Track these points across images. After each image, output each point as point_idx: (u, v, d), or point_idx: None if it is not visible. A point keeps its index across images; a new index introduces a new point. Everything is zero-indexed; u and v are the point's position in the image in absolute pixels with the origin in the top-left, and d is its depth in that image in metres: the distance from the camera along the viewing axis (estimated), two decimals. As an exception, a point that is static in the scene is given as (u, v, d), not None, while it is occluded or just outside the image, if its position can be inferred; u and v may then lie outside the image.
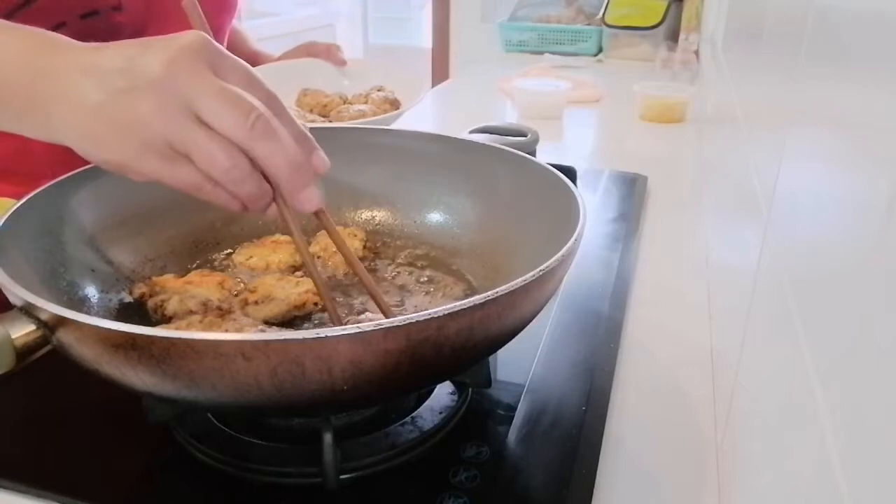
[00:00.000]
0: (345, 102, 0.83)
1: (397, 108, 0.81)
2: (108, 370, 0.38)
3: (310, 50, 0.95)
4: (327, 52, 0.94)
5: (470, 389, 0.52)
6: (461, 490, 0.44)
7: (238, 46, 0.89)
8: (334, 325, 0.47)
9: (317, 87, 0.88)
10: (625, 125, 1.35)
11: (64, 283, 0.52)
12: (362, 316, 0.56)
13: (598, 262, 0.75)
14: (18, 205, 0.50)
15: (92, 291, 0.54)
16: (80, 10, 0.67)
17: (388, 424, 0.48)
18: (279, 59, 0.95)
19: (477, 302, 0.38)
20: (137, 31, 0.72)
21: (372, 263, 0.64)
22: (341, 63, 0.93)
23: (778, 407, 0.34)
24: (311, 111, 0.83)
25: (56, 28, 0.67)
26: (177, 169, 0.40)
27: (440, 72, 2.55)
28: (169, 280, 0.58)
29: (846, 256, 0.27)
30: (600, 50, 1.96)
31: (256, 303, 0.55)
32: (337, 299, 0.59)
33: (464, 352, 0.40)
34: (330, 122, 0.81)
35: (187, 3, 0.44)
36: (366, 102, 0.80)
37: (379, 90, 0.82)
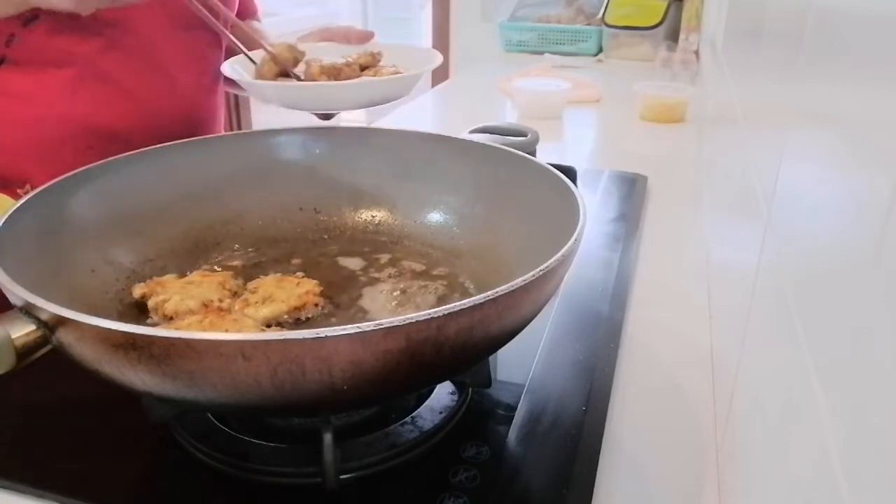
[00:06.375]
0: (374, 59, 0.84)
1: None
2: (108, 370, 0.38)
3: (325, 35, 0.94)
4: (346, 37, 0.92)
5: (470, 389, 0.52)
6: (461, 490, 0.44)
7: (257, 42, 0.88)
8: None
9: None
10: (625, 125, 1.35)
11: (64, 283, 0.52)
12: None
13: (598, 262, 0.75)
14: (18, 205, 0.50)
15: (92, 291, 0.54)
16: None
17: (388, 424, 0.48)
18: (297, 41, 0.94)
19: (477, 302, 0.38)
20: (115, 20, 0.73)
21: (372, 262, 0.64)
22: (366, 38, 0.91)
23: (778, 407, 0.34)
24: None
25: (30, 20, 0.68)
26: None
27: (440, 72, 2.54)
28: (169, 280, 0.58)
29: (846, 256, 0.27)
30: (600, 50, 1.96)
31: (256, 303, 0.55)
32: (326, 304, 0.59)
33: (464, 352, 0.40)
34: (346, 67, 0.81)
35: None
36: (374, 75, 0.82)
37: (392, 66, 0.85)
